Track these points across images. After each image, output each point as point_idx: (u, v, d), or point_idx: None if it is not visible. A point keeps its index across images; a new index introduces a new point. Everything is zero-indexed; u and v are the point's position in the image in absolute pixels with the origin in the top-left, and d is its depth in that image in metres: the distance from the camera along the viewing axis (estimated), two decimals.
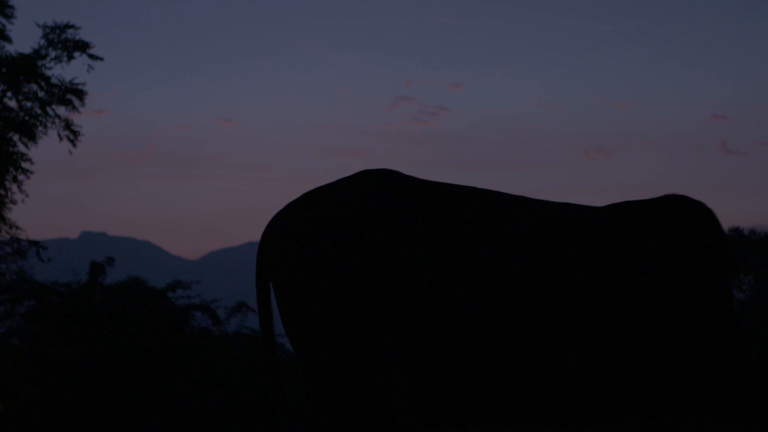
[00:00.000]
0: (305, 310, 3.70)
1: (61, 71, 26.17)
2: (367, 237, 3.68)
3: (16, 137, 17.44)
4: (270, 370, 3.95)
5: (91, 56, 17.85)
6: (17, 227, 17.57)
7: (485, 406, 3.66)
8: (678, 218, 3.82)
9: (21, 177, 17.50)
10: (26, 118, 17.46)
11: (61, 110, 17.75)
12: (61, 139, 17.85)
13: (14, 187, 17.50)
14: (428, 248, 3.69)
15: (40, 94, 17.55)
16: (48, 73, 17.60)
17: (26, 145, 17.55)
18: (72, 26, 17.80)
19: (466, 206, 3.79)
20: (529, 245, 3.73)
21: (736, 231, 24.29)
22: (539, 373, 3.64)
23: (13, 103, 17.47)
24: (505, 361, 3.64)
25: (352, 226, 3.70)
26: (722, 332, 3.72)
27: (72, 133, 17.88)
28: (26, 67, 17.28)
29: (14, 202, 17.54)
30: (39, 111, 17.54)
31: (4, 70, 17.24)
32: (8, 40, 17.44)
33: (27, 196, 17.62)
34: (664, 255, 3.74)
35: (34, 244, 17.58)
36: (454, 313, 3.64)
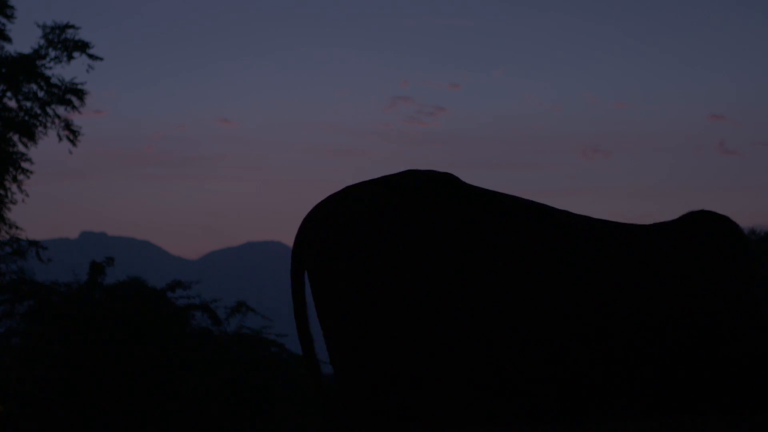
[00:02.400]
0: (342, 300, 3.71)
1: (61, 71, 26.20)
2: (407, 234, 3.71)
3: (15, 137, 17.45)
4: (308, 360, 3.92)
5: (91, 56, 17.86)
6: (17, 227, 17.60)
7: (528, 410, 3.73)
8: (708, 234, 4.06)
9: (21, 177, 17.53)
10: (26, 118, 17.46)
11: (61, 110, 17.77)
12: (60, 139, 17.86)
13: (14, 187, 17.53)
14: (466, 250, 3.73)
15: (40, 94, 17.56)
16: (48, 73, 17.62)
17: (26, 145, 17.57)
18: (72, 26, 17.81)
19: (507, 213, 3.86)
20: (577, 260, 3.83)
21: None
22: (591, 375, 3.75)
23: (13, 103, 17.49)
24: (549, 367, 3.71)
25: (393, 222, 3.73)
26: (757, 335, 3.91)
27: (72, 133, 17.89)
28: (26, 67, 17.28)
29: (14, 202, 17.57)
30: (39, 111, 17.55)
31: (4, 70, 17.25)
32: (8, 40, 17.45)
33: (27, 196, 17.64)
34: (699, 269, 3.95)
35: (34, 244, 17.59)
36: (488, 315, 3.70)
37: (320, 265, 3.76)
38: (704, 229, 4.04)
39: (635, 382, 3.79)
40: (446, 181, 3.86)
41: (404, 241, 3.71)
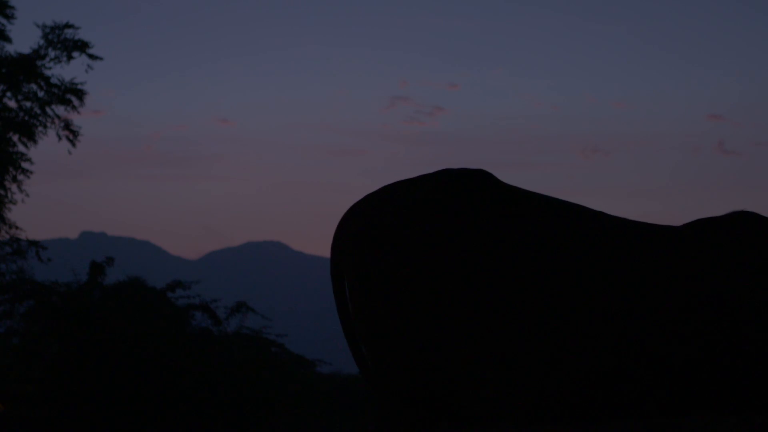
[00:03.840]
0: (382, 304, 3.69)
1: (60, 71, 26.21)
2: (446, 234, 3.71)
3: (15, 137, 17.46)
4: (358, 361, 3.91)
5: (91, 56, 17.88)
6: (17, 227, 17.61)
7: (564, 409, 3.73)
8: (754, 235, 4.01)
9: (21, 177, 17.54)
10: (26, 118, 17.48)
11: (60, 110, 17.78)
12: (60, 139, 17.88)
13: (14, 187, 17.54)
14: (504, 248, 3.73)
15: (40, 94, 17.58)
16: (47, 73, 17.64)
17: (26, 145, 17.59)
18: (71, 26, 17.83)
19: (545, 212, 3.85)
20: (617, 261, 3.81)
21: None
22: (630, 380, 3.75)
23: (12, 103, 17.50)
24: (588, 367, 3.71)
25: (431, 220, 3.72)
26: None
27: (71, 133, 17.91)
28: (26, 67, 17.30)
29: (14, 202, 17.57)
30: (38, 111, 17.57)
31: (4, 70, 17.26)
32: (8, 40, 17.46)
33: (27, 196, 17.66)
34: (745, 270, 3.90)
35: (34, 244, 17.60)
36: (532, 319, 3.69)
37: (359, 266, 3.75)
38: (752, 232, 3.99)
39: (678, 385, 3.77)
40: (482, 179, 3.86)
41: (443, 240, 3.70)
